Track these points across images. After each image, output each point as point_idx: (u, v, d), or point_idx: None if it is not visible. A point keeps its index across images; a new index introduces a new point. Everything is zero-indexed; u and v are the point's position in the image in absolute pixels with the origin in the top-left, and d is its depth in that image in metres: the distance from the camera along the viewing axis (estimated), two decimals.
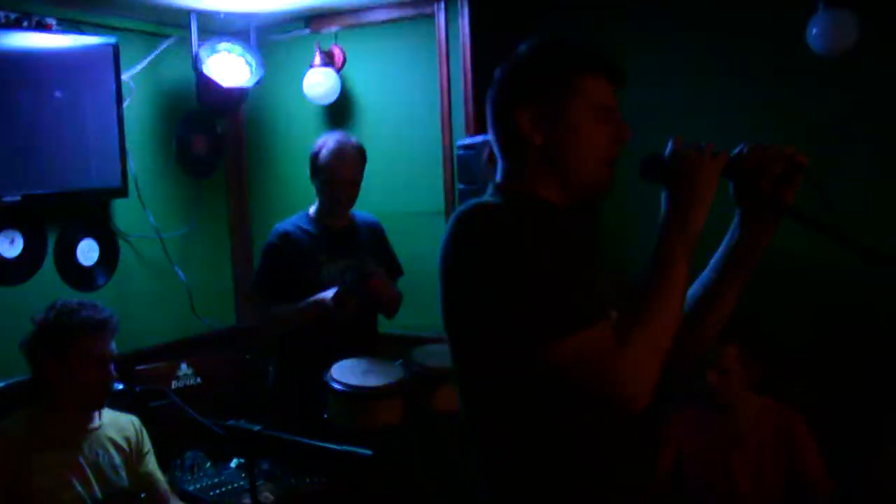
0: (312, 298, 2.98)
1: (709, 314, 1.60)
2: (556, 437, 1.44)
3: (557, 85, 1.48)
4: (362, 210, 3.32)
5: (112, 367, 2.49)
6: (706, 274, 1.60)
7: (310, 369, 2.95)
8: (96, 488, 2.46)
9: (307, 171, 3.16)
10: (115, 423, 2.61)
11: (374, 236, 3.30)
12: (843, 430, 2.87)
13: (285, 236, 3.10)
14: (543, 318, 1.34)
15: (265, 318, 3.14)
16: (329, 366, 2.86)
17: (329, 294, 2.94)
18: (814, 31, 2.87)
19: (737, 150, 1.46)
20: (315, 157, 3.11)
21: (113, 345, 2.51)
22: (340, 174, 3.09)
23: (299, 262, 3.07)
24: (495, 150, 1.58)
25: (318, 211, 3.18)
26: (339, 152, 3.09)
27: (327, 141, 3.12)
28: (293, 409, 2.99)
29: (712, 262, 1.60)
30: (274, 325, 3.13)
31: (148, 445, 2.69)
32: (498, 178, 1.56)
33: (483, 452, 1.52)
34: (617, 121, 1.50)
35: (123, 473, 2.56)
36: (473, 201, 1.47)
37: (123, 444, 2.59)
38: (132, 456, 2.61)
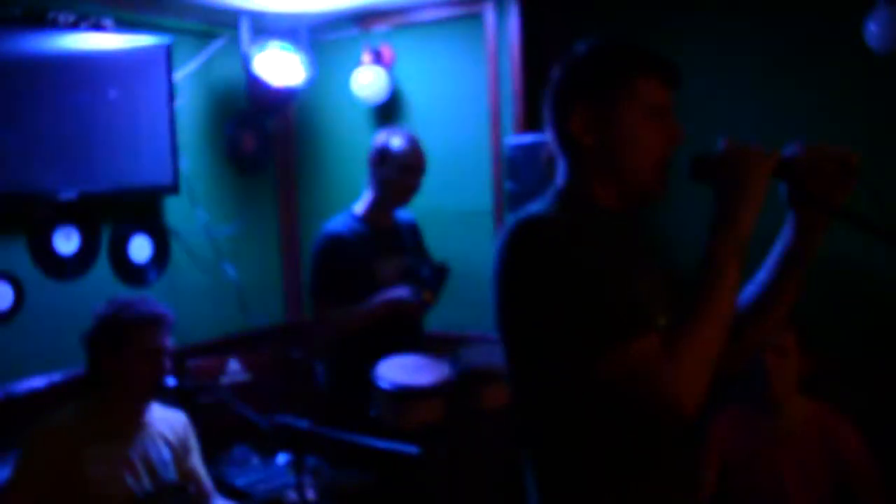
0: (386, 297, 2.97)
1: (762, 318, 1.57)
2: (603, 446, 1.43)
3: (611, 86, 1.47)
4: (409, 207, 3.32)
5: (165, 361, 2.52)
6: (759, 277, 1.58)
7: (364, 368, 2.96)
8: (146, 481, 2.50)
9: (356, 170, 3.16)
10: (165, 419, 2.65)
11: (416, 234, 3.31)
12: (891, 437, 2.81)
13: (339, 239, 3.03)
14: (592, 332, 1.33)
15: (330, 322, 3.05)
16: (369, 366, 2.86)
17: (402, 291, 2.96)
18: (872, 27, 2.80)
19: (789, 151, 1.43)
20: (385, 149, 3.06)
21: (168, 340, 2.54)
22: (419, 164, 3.10)
23: (355, 264, 3.02)
24: (554, 150, 1.57)
25: (370, 209, 3.13)
26: (414, 142, 3.10)
27: (393, 133, 3.11)
28: (346, 408, 2.99)
29: (765, 264, 1.57)
30: (341, 329, 3.04)
31: (194, 441, 2.72)
32: (558, 181, 1.56)
33: (535, 458, 1.52)
34: (670, 122, 1.48)
35: (172, 468, 2.60)
36: (526, 213, 1.47)
37: (173, 439, 2.63)
38: (180, 452, 2.64)
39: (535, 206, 1.52)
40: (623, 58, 1.49)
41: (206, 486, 2.73)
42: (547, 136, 1.58)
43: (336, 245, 3.01)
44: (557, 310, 1.36)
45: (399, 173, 3.06)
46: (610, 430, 1.41)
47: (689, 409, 1.31)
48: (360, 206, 3.15)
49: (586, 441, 1.44)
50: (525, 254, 1.41)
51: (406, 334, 3.12)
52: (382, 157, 3.07)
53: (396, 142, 3.07)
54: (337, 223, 3.09)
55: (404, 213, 3.27)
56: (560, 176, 1.56)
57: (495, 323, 1.50)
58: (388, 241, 3.13)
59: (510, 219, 1.47)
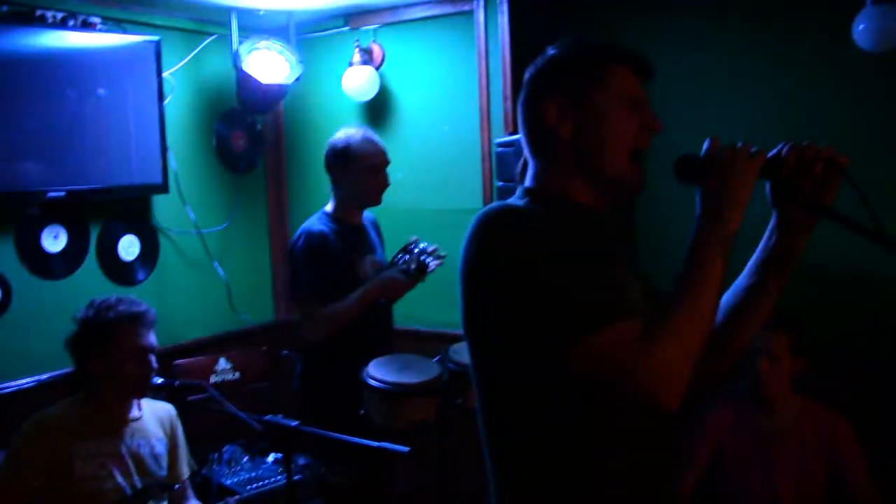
0: (373, 282, 2.96)
1: (746, 318, 1.57)
2: (576, 440, 1.41)
3: (583, 74, 1.49)
4: (399, 205, 3.33)
5: (151, 358, 2.52)
6: (743, 277, 1.57)
7: (340, 366, 2.96)
8: (136, 478, 2.50)
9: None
10: (155, 413, 2.65)
11: (379, 231, 3.31)
12: (886, 433, 2.82)
13: (324, 237, 3.00)
14: (567, 318, 1.32)
15: (321, 321, 2.97)
16: (359, 361, 2.86)
17: (392, 272, 2.94)
18: (861, 26, 2.81)
19: (775, 150, 1.44)
20: (346, 148, 3.04)
21: (152, 337, 2.54)
22: (383, 160, 3.08)
23: (340, 262, 3.01)
24: (526, 151, 1.57)
25: (342, 209, 3.12)
26: (373, 139, 3.09)
27: (350, 133, 3.09)
28: (324, 407, 2.99)
29: (749, 265, 1.57)
30: (335, 325, 2.96)
31: (182, 436, 2.73)
32: (527, 181, 1.56)
33: (499, 455, 1.50)
34: (646, 112, 1.49)
35: (164, 463, 2.60)
36: (496, 204, 1.47)
37: (162, 434, 2.63)
38: (170, 446, 2.65)
39: (502, 202, 1.52)
40: (594, 48, 1.52)
41: (184, 485, 2.72)
42: (521, 137, 1.57)
43: (322, 244, 2.99)
44: (530, 299, 1.34)
45: (367, 172, 3.05)
46: (583, 418, 1.40)
47: (667, 401, 1.29)
48: (331, 206, 3.14)
49: (557, 435, 1.41)
50: (496, 242, 1.39)
51: (380, 331, 3.14)
52: (345, 159, 3.05)
53: (357, 140, 3.05)
54: (316, 223, 3.06)
55: (366, 213, 3.24)
56: (530, 176, 1.56)
57: (462, 316, 1.48)
58: (360, 239, 3.14)
59: (483, 210, 1.45)
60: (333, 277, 2.98)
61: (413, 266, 2.95)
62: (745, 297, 1.56)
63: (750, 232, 1.52)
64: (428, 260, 2.98)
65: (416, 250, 2.98)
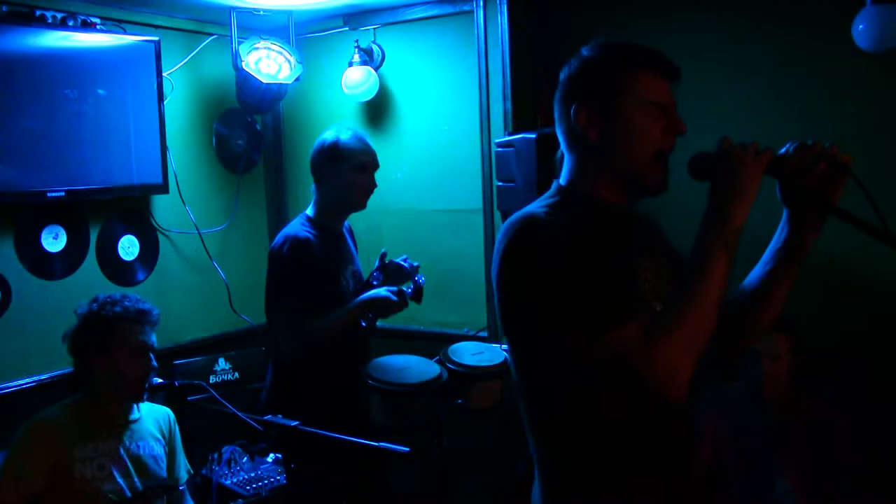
0: (364, 301, 2.79)
1: (758, 312, 1.65)
2: (600, 426, 1.52)
3: (611, 82, 1.56)
4: (398, 204, 3.30)
5: (151, 358, 2.52)
6: (755, 272, 1.65)
7: (317, 379, 2.87)
8: (136, 479, 2.50)
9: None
10: (153, 415, 2.65)
11: (354, 238, 3.16)
12: (886, 433, 2.83)
13: (308, 244, 2.80)
14: (579, 322, 1.42)
15: (308, 336, 2.77)
16: (336, 373, 2.84)
17: (385, 292, 2.80)
18: (860, 26, 2.81)
19: (783, 150, 1.48)
20: (335, 144, 2.88)
21: (153, 337, 2.54)
22: (372, 160, 2.93)
23: (323, 271, 2.85)
24: (562, 147, 1.66)
25: (325, 214, 2.94)
26: (364, 139, 2.93)
27: (340, 130, 2.93)
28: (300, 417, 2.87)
29: (761, 261, 1.64)
30: (317, 342, 2.78)
31: (179, 440, 2.72)
32: (562, 177, 1.66)
33: (538, 443, 1.61)
34: (670, 115, 1.56)
35: (164, 465, 2.60)
36: (518, 214, 1.56)
37: (160, 436, 2.63)
38: (168, 449, 2.65)
39: (533, 204, 1.61)
40: (622, 54, 1.58)
41: (180, 489, 2.72)
42: (557, 134, 1.66)
43: (307, 251, 2.79)
44: (543, 304, 1.46)
45: (355, 171, 2.89)
46: (601, 409, 1.51)
47: (669, 391, 1.40)
48: (313, 210, 2.96)
49: (584, 423, 1.53)
50: (514, 253, 1.51)
51: (360, 344, 3.02)
52: (334, 157, 2.88)
53: (345, 138, 2.89)
54: (300, 228, 2.87)
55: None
56: (564, 171, 1.65)
57: (498, 318, 1.59)
58: (340, 246, 2.99)
59: (508, 220, 1.56)
60: (318, 287, 2.80)
61: (410, 289, 2.85)
62: (758, 289, 1.65)
63: (764, 229, 1.59)
64: (421, 280, 2.89)
65: (409, 266, 2.91)
